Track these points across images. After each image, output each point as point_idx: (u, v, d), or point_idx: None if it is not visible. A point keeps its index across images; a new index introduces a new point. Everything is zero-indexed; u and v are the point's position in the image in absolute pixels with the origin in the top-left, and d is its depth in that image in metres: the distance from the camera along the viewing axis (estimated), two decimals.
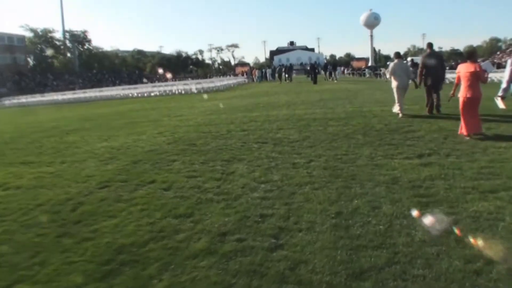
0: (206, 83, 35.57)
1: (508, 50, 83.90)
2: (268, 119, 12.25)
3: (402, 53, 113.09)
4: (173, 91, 34.34)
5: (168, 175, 6.57)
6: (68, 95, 38.39)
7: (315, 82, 34.54)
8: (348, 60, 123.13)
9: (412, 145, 7.72)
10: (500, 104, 8.09)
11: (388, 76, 12.53)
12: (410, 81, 12.19)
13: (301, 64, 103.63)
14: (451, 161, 6.43)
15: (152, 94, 34.38)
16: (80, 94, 38.38)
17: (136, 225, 4.62)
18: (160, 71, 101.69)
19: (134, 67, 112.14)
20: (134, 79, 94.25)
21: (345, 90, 24.30)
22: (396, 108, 11.72)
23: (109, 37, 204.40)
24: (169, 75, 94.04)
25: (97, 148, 9.57)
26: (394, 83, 11.82)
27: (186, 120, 13.62)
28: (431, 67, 11.67)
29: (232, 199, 5.24)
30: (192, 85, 34.68)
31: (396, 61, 12.23)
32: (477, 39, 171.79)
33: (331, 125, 10.51)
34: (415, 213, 4.40)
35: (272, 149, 8.02)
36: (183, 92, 33.72)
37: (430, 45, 12.53)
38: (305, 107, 15.10)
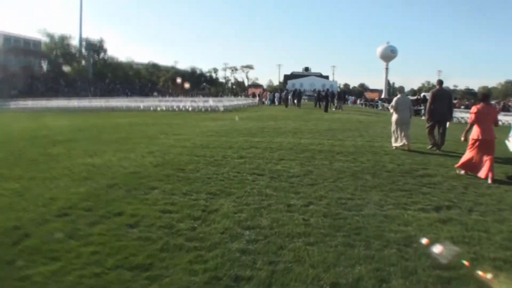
0: (215, 102, 34.76)
1: None
2: (270, 147, 11.28)
3: (416, 88, 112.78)
4: (180, 107, 33.56)
5: (141, 207, 5.59)
6: (74, 103, 37.81)
7: (326, 110, 33.68)
8: (361, 91, 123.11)
9: (428, 193, 6.71)
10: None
11: (391, 110, 12.60)
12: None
13: (314, 90, 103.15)
14: (475, 219, 5.42)
15: (159, 108, 33.62)
16: (85, 102, 37.77)
17: (78, 276, 3.65)
18: (179, 80, 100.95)
19: (148, 80, 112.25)
20: (146, 91, 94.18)
21: (356, 121, 23.35)
22: (398, 143, 11.78)
23: (125, 48, 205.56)
24: (187, 85, 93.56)
25: (77, 165, 8.64)
26: (394, 117, 12.06)
27: (183, 140, 12.70)
28: (439, 104, 11.76)
29: (206, 248, 4.24)
30: (200, 103, 33.92)
31: (399, 95, 12.38)
32: (492, 81, 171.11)
33: (337, 159, 9.52)
34: None
35: (268, 183, 7.03)
36: (190, 109, 32.94)
37: (440, 82, 12.58)
38: (312, 136, 14.14)
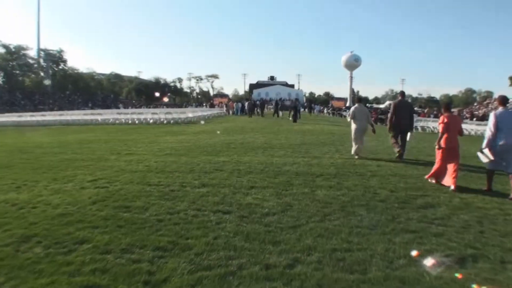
0: (177, 114, 32.75)
1: (485, 102, 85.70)
2: (238, 169, 9.66)
3: (380, 96, 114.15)
4: (141, 119, 31.45)
5: (55, 281, 3.86)
6: (26, 117, 34.89)
7: (294, 120, 32.39)
8: (327, 99, 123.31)
9: (441, 234, 5.29)
10: (488, 155, 7.86)
11: (348, 119, 13.09)
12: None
13: (280, 99, 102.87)
14: None
15: (117, 121, 31.38)
16: (37, 117, 34.90)
17: None
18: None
19: (110, 90, 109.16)
20: (109, 103, 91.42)
21: (328, 132, 22.02)
22: (353, 150, 12.29)
23: (86, 58, 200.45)
24: (166, 99, 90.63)
25: None
26: (353, 126, 12.44)
27: (136, 161, 10.89)
28: (402, 115, 12.12)
29: None
30: (162, 115, 31.83)
31: (357, 105, 12.78)
32: (453, 89, 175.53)
33: (319, 185, 7.98)
34: None
35: (237, 227, 5.40)
36: (151, 121, 30.88)
37: (402, 93, 13.24)
38: (284, 153, 12.60)
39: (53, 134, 22.22)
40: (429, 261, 4.38)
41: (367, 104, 63.97)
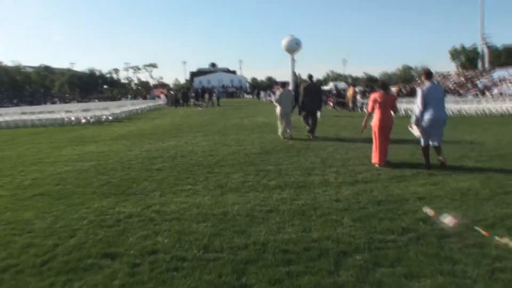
0: (99, 110, 26.42)
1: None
2: (154, 249, 4.42)
3: (321, 78, 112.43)
4: (57, 119, 24.80)
5: None
6: None
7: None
8: (269, 84, 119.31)
9: None
10: (415, 131, 7.92)
11: (275, 103, 13.51)
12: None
13: (223, 86, 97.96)
14: None
15: (22, 124, 24.51)
16: None
17: None
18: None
19: (40, 85, 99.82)
20: (39, 98, 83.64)
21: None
22: (280, 132, 13.16)
23: (11, 50, 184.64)
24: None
25: None
26: (278, 109, 13.10)
27: None
28: (310, 97, 13.05)
29: None
30: (79, 113, 25.44)
31: (282, 90, 13.33)
32: (392, 67, 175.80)
33: None
34: None
35: None
36: (65, 120, 24.44)
37: (310, 76, 13.98)
38: (243, 178, 7.43)
39: None
40: None
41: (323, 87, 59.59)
